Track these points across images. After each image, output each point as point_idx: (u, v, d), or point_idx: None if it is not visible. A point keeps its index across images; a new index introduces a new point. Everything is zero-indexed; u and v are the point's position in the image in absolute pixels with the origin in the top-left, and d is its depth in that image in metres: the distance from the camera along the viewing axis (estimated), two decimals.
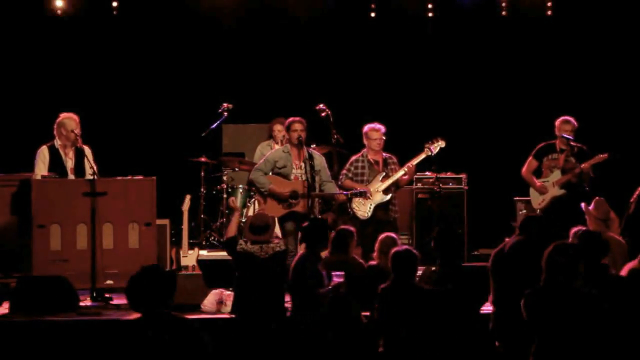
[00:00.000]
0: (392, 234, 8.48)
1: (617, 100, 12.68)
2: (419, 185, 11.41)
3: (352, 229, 8.40)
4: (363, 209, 9.99)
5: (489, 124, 12.77)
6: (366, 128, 10.15)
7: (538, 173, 10.31)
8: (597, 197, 8.89)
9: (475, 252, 11.38)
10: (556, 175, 10.17)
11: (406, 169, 10.01)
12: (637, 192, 9.76)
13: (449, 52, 12.90)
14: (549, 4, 12.64)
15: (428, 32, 12.82)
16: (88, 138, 9.70)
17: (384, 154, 10.18)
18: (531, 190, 10.34)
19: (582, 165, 10.00)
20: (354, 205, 9.99)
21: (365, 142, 10.14)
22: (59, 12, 12.36)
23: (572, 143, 10.14)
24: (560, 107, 11.50)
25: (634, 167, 11.63)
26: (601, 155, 9.99)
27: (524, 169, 10.32)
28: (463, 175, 11.55)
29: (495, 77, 12.88)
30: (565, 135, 10.16)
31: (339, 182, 10.06)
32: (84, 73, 12.59)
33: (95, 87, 12.58)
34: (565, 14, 12.71)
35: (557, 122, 10.22)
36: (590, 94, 12.67)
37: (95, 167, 9.27)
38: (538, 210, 10.26)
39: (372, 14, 12.79)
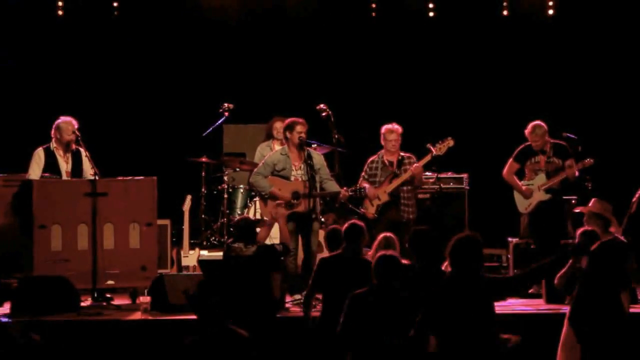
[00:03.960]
0: (389, 234, 8.33)
1: (618, 100, 12.67)
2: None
3: (361, 223, 8.28)
4: (371, 209, 10.05)
5: (490, 124, 12.76)
6: (383, 129, 10.17)
7: (520, 175, 10.25)
8: (594, 198, 8.87)
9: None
10: (541, 178, 10.05)
11: (412, 171, 10.00)
12: (638, 192, 9.74)
13: (450, 52, 12.89)
14: (551, 3, 12.64)
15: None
16: (89, 138, 9.70)
17: (401, 154, 10.17)
18: (515, 193, 10.20)
19: (567, 171, 9.91)
20: (364, 206, 10.04)
21: (382, 142, 10.16)
22: (60, 12, 12.37)
23: (551, 141, 10.06)
24: (561, 107, 11.52)
25: (634, 168, 11.62)
26: (586, 161, 9.90)
27: (504, 171, 10.23)
28: (464, 175, 11.54)
29: (496, 76, 12.86)
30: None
31: (357, 184, 10.07)
32: (85, 73, 12.59)
33: (96, 88, 12.59)
34: (567, 14, 12.70)
35: (526, 132, 10.06)
36: (592, 94, 12.67)
37: (95, 169, 9.28)
38: (523, 214, 10.24)
39: (373, 13, 12.78)
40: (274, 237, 9.31)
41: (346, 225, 8.00)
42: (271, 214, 9.19)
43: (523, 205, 10.16)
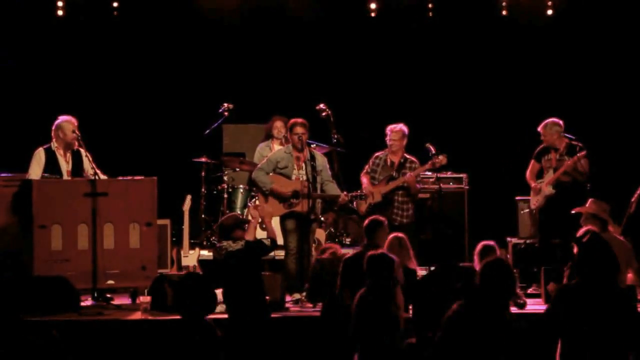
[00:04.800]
0: (400, 234, 8.44)
1: (618, 100, 12.67)
2: (419, 185, 11.39)
3: (382, 218, 8.46)
4: (363, 206, 10.12)
5: (490, 123, 12.77)
6: (387, 128, 10.19)
7: (542, 175, 10.29)
8: (591, 199, 8.87)
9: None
10: (549, 175, 10.13)
11: (405, 179, 10.03)
12: (638, 192, 9.73)
13: (449, 52, 12.90)
14: (550, 3, 12.63)
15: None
16: (89, 138, 9.71)
17: (405, 155, 10.20)
18: (531, 191, 10.34)
19: (564, 165, 9.94)
20: (360, 202, 10.08)
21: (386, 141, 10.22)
22: (60, 12, 12.37)
23: (570, 142, 10.09)
24: (560, 107, 11.51)
25: (634, 167, 11.62)
26: (580, 154, 9.92)
27: (527, 172, 10.32)
28: (464, 175, 11.55)
29: (496, 76, 12.87)
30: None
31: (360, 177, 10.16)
32: (85, 73, 12.60)
33: (96, 88, 12.59)
34: (566, 13, 12.70)
35: (541, 129, 10.15)
36: (591, 94, 12.67)
37: (96, 169, 9.29)
38: (534, 210, 10.27)
39: (373, 13, 12.78)
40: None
41: (366, 221, 8.28)
42: (258, 213, 9.14)
43: (532, 201, 10.24)
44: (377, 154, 10.30)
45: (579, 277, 5.85)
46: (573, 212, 8.78)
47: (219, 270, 7.94)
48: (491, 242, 7.93)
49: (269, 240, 8.30)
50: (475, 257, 7.87)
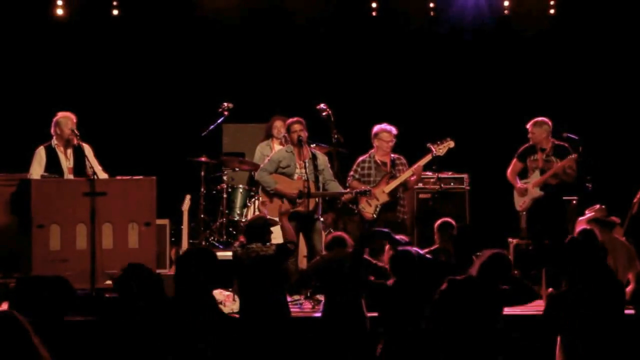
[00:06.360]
0: (403, 236, 8.49)
1: (619, 100, 12.65)
2: (421, 185, 11.36)
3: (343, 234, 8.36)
4: (369, 209, 10.04)
5: (491, 124, 12.74)
6: (377, 129, 10.16)
7: (525, 174, 10.23)
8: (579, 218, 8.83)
9: (478, 253, 11.26)
10: (536, 176, 10.06)
11: (413, 171, 10.04)
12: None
13: (450, 52, 12.87)
14: (552, 2, 12.60)
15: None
16: (89, 138, 9.69)
17: (392, 155, 10.19)
18: (514, 192, 10.24)
19: (554, 167, 9.87)
20: (361, 206, 10.00)
21: (374, 142, 10.15)
22: (59, 12, 12.33)
23: (555, 142, 10.03)
24: (561, 107, 11.49)
25: (635, 168, 11.60)
26: (570, 157, 9.85)
27: (508, 171, 10.26)
28: (465, 175, 11.52)
29: (497, 76, 12.85)
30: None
31: (347, 184, 10.08)
32: (85, 73, 12.58)
33: (96, 87, 12.57)
34: (569, 13, 12.67)
35: (529, 126, 10.08)
36: (593, 94, 12.65)
37: (94, 168, 9.24)
38: (520, 213, 10.22)
39: (374, 13, 12.75)
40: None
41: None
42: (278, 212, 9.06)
43: (518, 203, 10.18)
44: (361, 158, 10.26)
45: (568, 270, 5.85)
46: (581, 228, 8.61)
47: (240, 270, 7.83)
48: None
49: (292, 244, 8.20)
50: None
